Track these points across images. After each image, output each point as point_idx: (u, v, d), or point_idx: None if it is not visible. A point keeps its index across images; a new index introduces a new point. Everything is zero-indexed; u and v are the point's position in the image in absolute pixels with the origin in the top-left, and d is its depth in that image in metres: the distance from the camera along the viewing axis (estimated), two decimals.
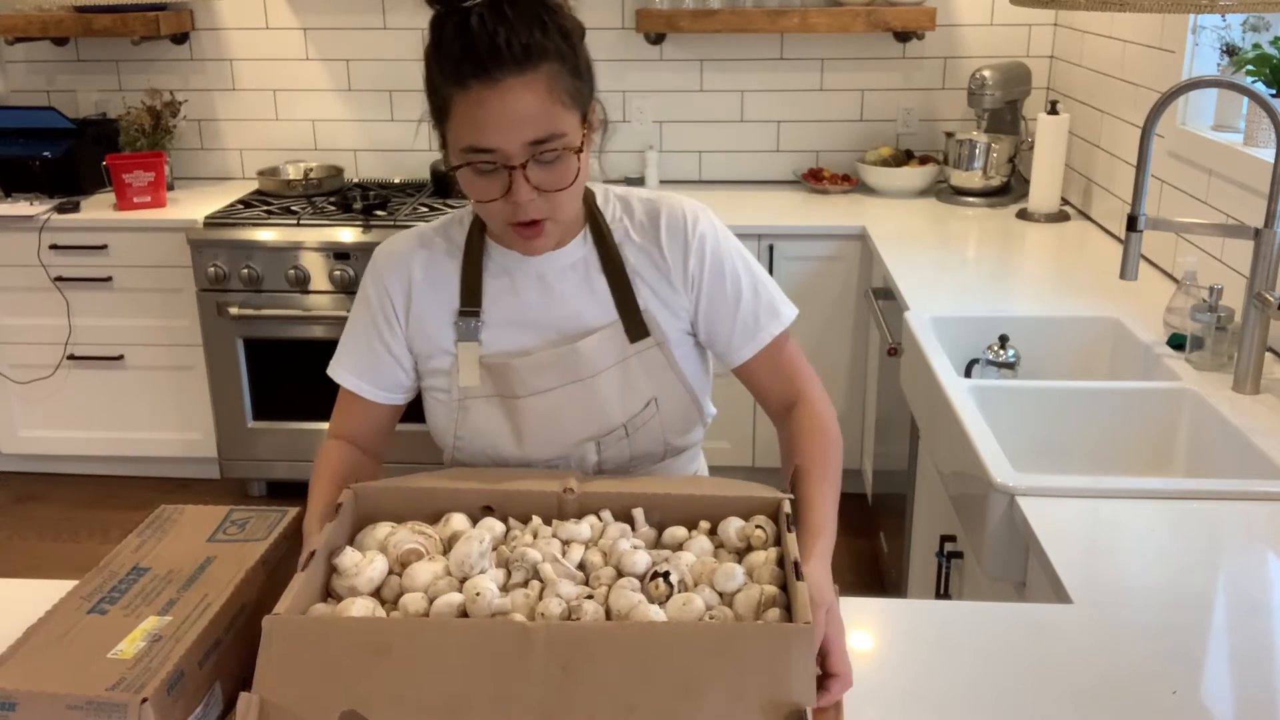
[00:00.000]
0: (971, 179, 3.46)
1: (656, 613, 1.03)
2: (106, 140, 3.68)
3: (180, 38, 3.75)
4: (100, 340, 3.50)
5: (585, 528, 1.18)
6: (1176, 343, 2.09)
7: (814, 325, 3.24)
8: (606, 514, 1.21)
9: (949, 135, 3.55)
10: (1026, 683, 1.15)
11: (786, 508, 1.18)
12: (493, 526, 1.19)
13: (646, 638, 0.94)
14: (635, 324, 1.36)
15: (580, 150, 1.22)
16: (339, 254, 3.26)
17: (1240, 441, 1.73)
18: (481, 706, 0.91)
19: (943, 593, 1.93)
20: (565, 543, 1.16)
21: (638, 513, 1.21)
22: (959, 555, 1.89)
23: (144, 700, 0.98)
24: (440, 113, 1.24)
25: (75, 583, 1.17)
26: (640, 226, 1.38)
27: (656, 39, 3.57)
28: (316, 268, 3.27)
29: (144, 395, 3.55)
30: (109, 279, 3.43)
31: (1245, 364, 1.89)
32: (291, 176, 3.73)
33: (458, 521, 1.19)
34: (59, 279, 3.43)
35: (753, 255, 1.44)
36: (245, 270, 3.27)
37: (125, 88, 3.84)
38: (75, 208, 3.45)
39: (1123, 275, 1.97)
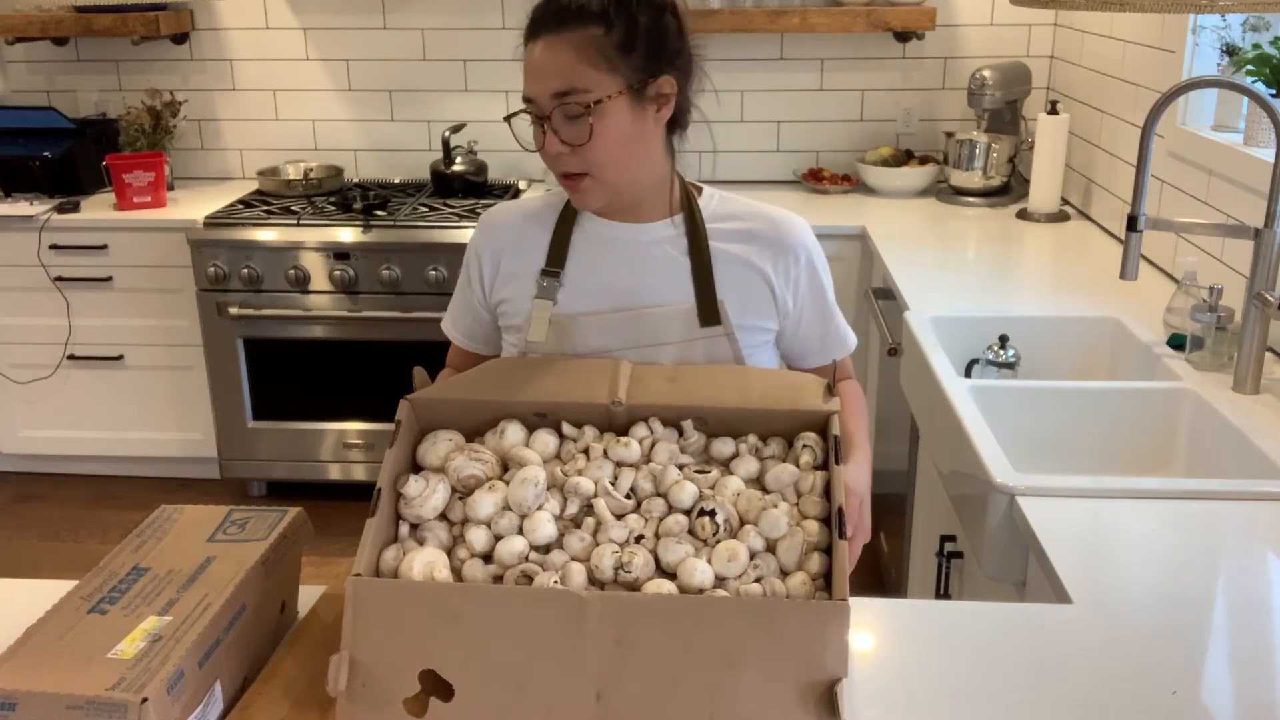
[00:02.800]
0: (971, 179, 3.46)
1: (704, 569, 1.07)
2: (106, 140, 3.68)
3: (180, 38, 3.75)
4: (100, 340, 3.50)
5: (635, 449, 1.22)
6: (1176, 343, 2.09)
7: None
8: (655, 423, 1.25)
9: (949, 135, 3.55)
10: (1026, 683, 1.15)
11: (835, 428, 1.21)
12: (546, 446, 1.23)
13: (692, 612, 0.99)
14: (709, 310, 1.40)
15: (590, 107, 1.27)
16: (339, 254, 3.27)
17: (1240, 441, 1.73)
18: (545, 674, 0.97)
19: (943, 593, 1.93)
20: (616, 465, 1.20)
21: (686, 425, 1.25)
22: (959, 555, 1.89)
23: (144, 700, 0.98)
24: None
25: (75, 583, 1.17)
26: (747, 233, 1.43)
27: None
28: (316, 268, 3.27)
29: (144, 395, 3.55)
30: (109, 279, 3.43)
31: (1245, 364, 1.89)
32: (291, 176, 3.73)
33: (513, 434, 1.23)
34: (59, 279, 3.43)
35: None
36: (245, 270, 3.27)
37: (125, 88, 3.84)
38: (75, 208, 3.45)
39: (1123, 275, 1.97)
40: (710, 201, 1.45)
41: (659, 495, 1.18)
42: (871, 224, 3.17)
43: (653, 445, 1.23)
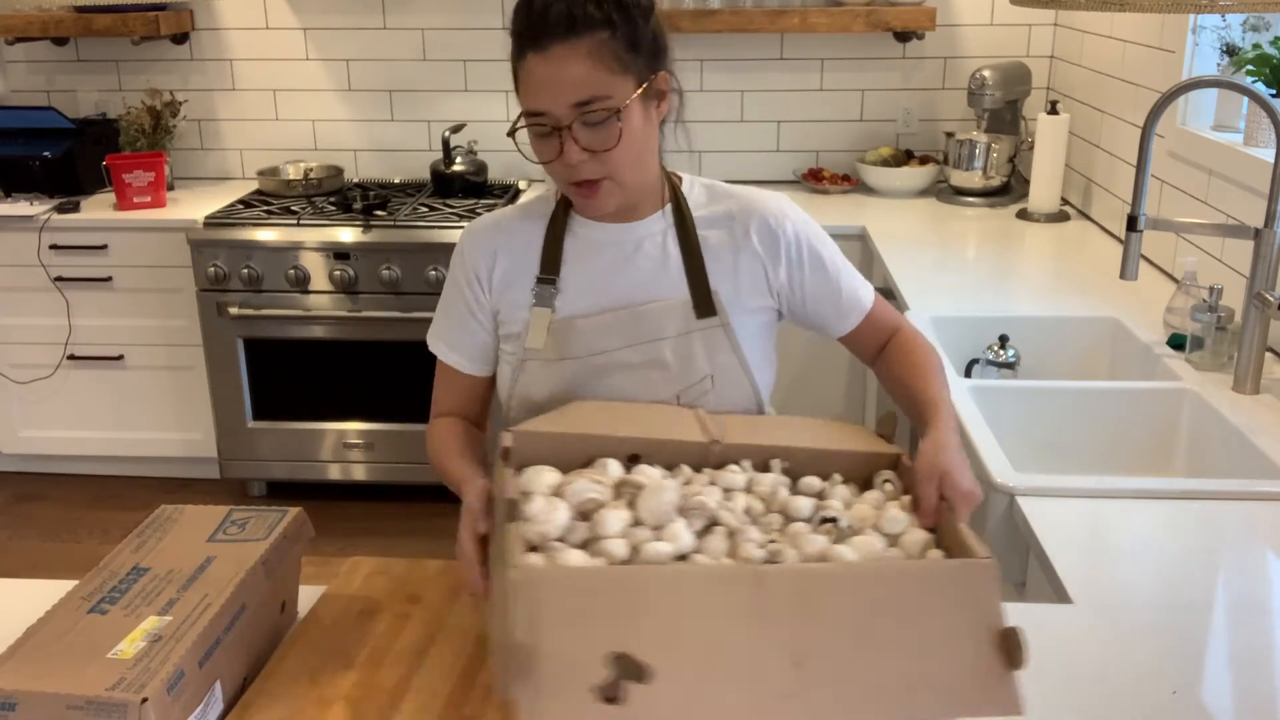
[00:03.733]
0: (971, 179, 3.46)
1: (848, 553, 1.08)
2: (106, 140, 3.68)
3: (180, 38, 3.75)
4: (100, 340, 3.50)
5: (740, 476, 1.22)
6: (1176, 343, 2.09)
7: None
8: (745, 463, 1.25)
9: (949, 135, 3.55)
10: (1027, 683, 1.14)
11: (907, 461, 1.24)
12: (654, 476, 1.21)
13: (870, 574, 1.02)
14: (704, 301, 1.40)
15: (618, 112, 1.27)
16: (339, 254, 3.27)
17: (1240, 441, 1.73)
18: (738, 648, 0.96)
19: None
20: (725, 490, 1.20)
21: (775, 463, 1.26)
22: None
23: (144, 700, 0.98)
24: (516, 84, 1.32)
25: (75, 583, 1.17)
26: (729, 215, 1.44)
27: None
28: (316, 268, 3.27)
29: (144, 395, 3.55)
30: (109, 279, 3.43)
31: (1245, 364, 1.89)
32: (291, 176, 3.73)
33: (614, 469, 1.22)
34: (59, 279, 3.43)
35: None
36: (245, 270, 3.27)
37: (125, 88, 3.84)
38: (75, 208, 3.45)
39: (1123, 275, 1.97)
40: (693, 190, 1.46)
41: (774, 513, 1.18)
42: (871, 224, 3.16)
43: (749, 480, 1.24)
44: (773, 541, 1.11)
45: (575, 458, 1.24)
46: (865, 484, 1.27)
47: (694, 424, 1.29)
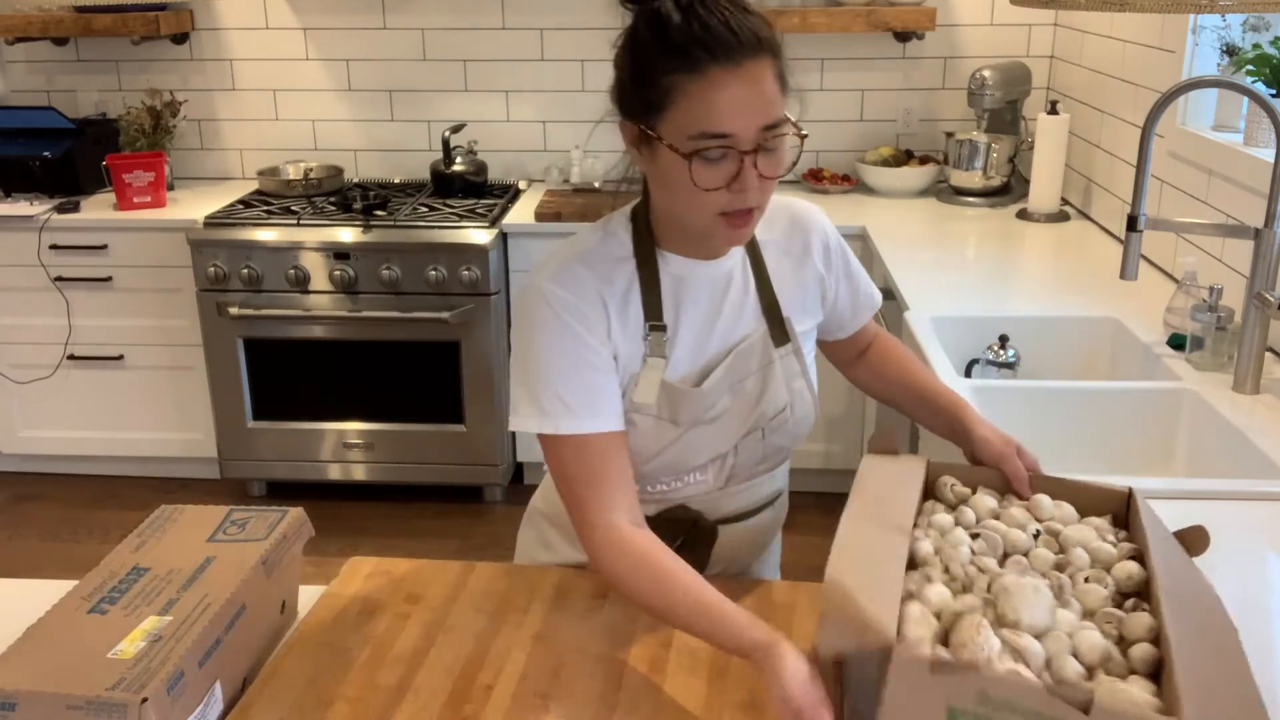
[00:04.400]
0: (971, 179, 3.46)
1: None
2: (106, 140, 3.68)
3: (180, 38, 3.75)
4: (100, 340, 3.50)
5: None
6: (1176, 343, 2.09)
7: None
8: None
9: (949, 135, 3.55)
10: None
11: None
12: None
13: None
14: (779, 331, 1.37)
15: (798, 136, 1.22)
16: (339, 254, 3.26)
17: (1240, 441, 1.73)
18: None
19: None
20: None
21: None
22: None
23: (144, 700, 0.98)
24: (656, 105, 1.18)
25: (75, 583, 1.17)
26: (784, 231, 1.40)
27: None
28: (316, 268, 3.27)
29: (144, 395, 3.55)
30: (109, 279, 3.43)
31: (1245, 364, 1.89)
32: (291, 176, 3.73)
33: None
34: (59, 279, 3.43)
35: None
36: (245, 270, 3.27)
37: (125, 88, 3.84)
38: (75, 208, 3.45)
39: (1123, 275, 1.97)
40: None
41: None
42: (871, 224, 3.17)
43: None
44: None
45: None
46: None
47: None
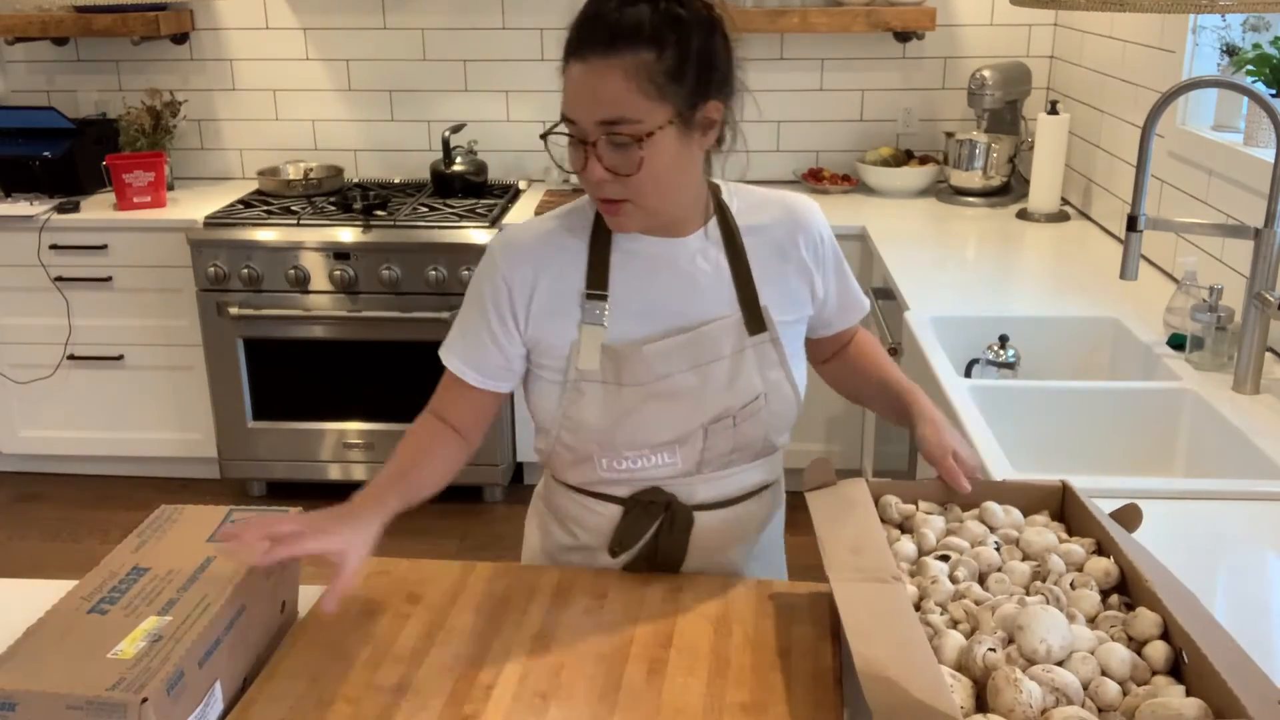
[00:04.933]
0: (971, 179, 3.45)
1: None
2: (106, 140, 3.68)
3: (180, 38, 3.75)
4: (100, 340, 3.50)
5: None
6: (1176, 343, 2.09)
7: None
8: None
9: (949, 135, 3.55)
10: None
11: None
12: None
13: None
14: (754, 318, 1.38)
15: (643, 140, 1.22)
16: (339, 254, 3.26)
17: (1240, 441, 1.73)
18: None
19: None
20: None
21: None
22: None
23: (144, 700, 0.98)
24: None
25: (75, 583, 1.17)
26: (773, 222, 1.41)
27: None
28: (316, 268, 3.27)
29: (144, 395, 3.55)
30: (109, 279, 3.43)
31: (1245, 364, 1.89)
32: (291, 176, 3.73)
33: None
34: (59, 279, 3.43)
35: None
36: (245, 270, 3.27)
37: (125, 88, 3.84)
38: (75, 208, 3.45)
39: (1123, 275, 1.97)
40: (732, 199, 1.42)
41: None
42: (871, 224, 3.17)
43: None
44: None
45: None
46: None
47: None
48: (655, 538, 1.44)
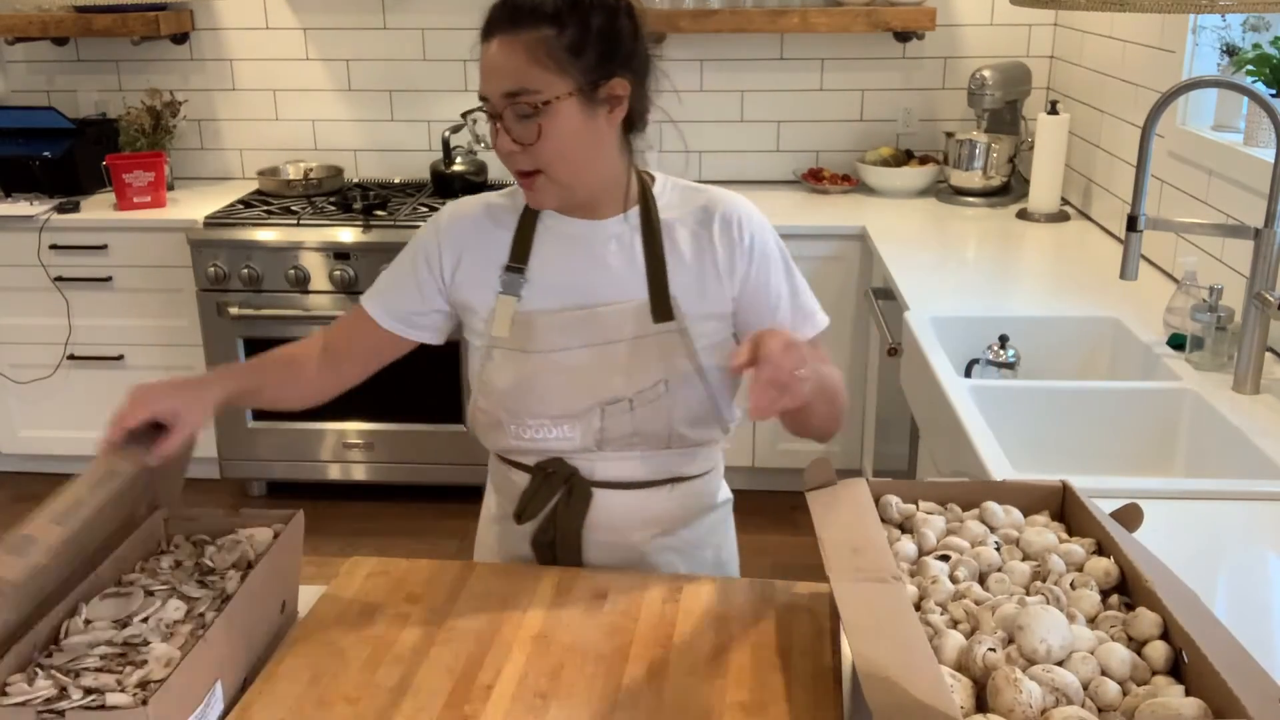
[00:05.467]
0: (971, 179, 3.46)
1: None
2: (106, 140, 3.68)
3: (180, 38, 3.75)
4: (100, 340, 3.50)
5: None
6: (1176, 343, 2.09)
7: None
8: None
9: (949, 135, 3.55)
10: None
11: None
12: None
13: None
14: (662, 306, 1.41)
15: (539, 108, 1.28)
16: (339, 254, 3.27)
17: (1240, 441, 1.73)
18: None
19: None
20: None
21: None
22: None
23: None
24: None
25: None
26: (695, 216, 1.44)
27: (656, 39, 3.56)
28: (316, 268, 3.27)
29: None
30: (109, 279, 3.43)
31: (1245, 364, 1.89)
32: (291, 176, 3.73)
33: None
34: (59, 279, 3.43)
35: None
36: (245, 270, 3.27)
37: (125, 88, 3.84)
38: (75, 208, 3.45)
39: (1123, 275, 1.97)
40: (665, 191, 1.46)
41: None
42: (871, 224, 3.17)
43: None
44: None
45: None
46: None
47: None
48: (554, 509, 1.49)
